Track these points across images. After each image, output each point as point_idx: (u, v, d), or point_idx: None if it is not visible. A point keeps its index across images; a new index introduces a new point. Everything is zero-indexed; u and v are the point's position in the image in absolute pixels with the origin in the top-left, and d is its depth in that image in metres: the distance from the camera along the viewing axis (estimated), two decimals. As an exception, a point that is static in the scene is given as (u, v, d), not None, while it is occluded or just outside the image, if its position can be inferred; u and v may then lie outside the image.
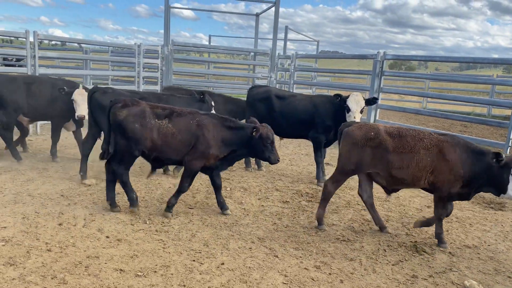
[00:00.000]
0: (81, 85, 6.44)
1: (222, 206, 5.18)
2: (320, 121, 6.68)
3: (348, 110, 6.36)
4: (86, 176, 6.03)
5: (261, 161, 7.14)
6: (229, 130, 4.89)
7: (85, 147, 6.11)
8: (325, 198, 4.88)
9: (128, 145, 4.71)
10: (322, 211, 4.90)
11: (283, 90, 9.46)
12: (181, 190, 4.96)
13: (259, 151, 4.92)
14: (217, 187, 5.19)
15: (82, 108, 6.26)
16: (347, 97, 6.42)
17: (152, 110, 4.78)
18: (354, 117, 6.28)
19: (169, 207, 4.94)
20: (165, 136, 4.72)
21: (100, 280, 3.43)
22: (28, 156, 7.12)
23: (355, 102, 6.34)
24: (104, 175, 6.27)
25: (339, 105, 6.49)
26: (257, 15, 16.33)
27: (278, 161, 4.98)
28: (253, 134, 4.78)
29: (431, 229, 5.09)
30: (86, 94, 6.12)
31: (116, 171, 4.87)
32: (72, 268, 3.58)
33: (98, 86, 6.69)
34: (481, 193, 5.48)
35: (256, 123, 4.96)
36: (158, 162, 5.02)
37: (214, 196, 5.74)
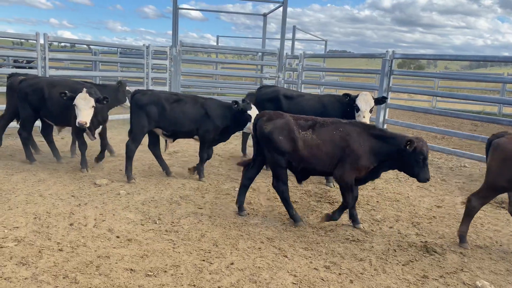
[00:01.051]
0: (84, 89, 6.09)
1: (355, 219, 4.99)
2: None
3: (358, 109, 6.34)
4: (132, 176, 6.22)
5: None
6: (376, 139, 4.62)
7: (132, 147, 6.23)
8: (469, 214, 4.56)
9: (276, 157, 4.74)
10: (466, 228, 4.60)
11: (291, 90, 9.45)
12: (346, 205, 4.80)
13: (408, 166, 4.56)
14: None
15: (83, 114, 5.95)
16: (356, 96, 6.39)
17: (296, 122, 4.76)
18: (364, 117, 6.25)
19: (332, 218, 4.85)
20: (310, 147, 4.64)
21: (111, 279, 3.46)
22: (38, 157, 7.18)
23: (365, 102, 6.31)
24: (115, 176, 6.35)
25: (348, 105, 6.47)
26: (265, 15, 16.32)
27: (428, 180, 4.55)
28: (407, 147, 4.44)
29: (442, 229, 5.06)
30: (89, 99, 6.00)
31: (277, 187, 4.90)
32: (83, 267, 3.62)
33: (139, 88, 6.73)
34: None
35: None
36: (305, 173, 4.92)
37: (223, 196, 5.77)
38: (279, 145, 4.66)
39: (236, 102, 6.07)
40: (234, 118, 6.20)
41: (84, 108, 5.97)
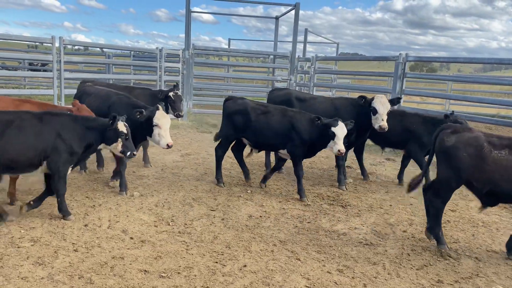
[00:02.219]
0: (160, 107, 5.44)
1: None
2: None
3: (375, 112, 6.22)
4: (223, 180, 6.33)
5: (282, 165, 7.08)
6: None
7: (219, 152, 6.32)
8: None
9: (449, 174, 4.35)
10: None
11: (303, 92, 9.44)
12: None
13: None
14: None
15: (169, 135, 5.40)
16: (372, 99, 6.33)
17: (487, 139, 4.23)
18: (382, 119, 6.16)
19: None
20: (505, 169, 4.08)
21: (125, 280, 3.49)
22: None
23: (381, 104, 6.21)
24: (128, 178, 6.40)
25: (361, 107, 6.41)
26: (277, 18, 16.35)
27: None
28: None
29: (456, 233, 5.00)
30: (167, 116, 5.46)
31: (435, 203, 4.55)
32: (98, 268, 3.65)
33: (232, 95, 6.71)
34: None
35: None
36: (491, 197, 4.33)
37: (236, 198, 5.79)
38: (459, 162, 4.22)
39: (318, 118, 5.61)
40: (318, 134, 5.70)
41: (168, 128, 5.43)
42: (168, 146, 5.38)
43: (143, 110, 5.28)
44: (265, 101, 7.70)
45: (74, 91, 13.38)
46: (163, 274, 3.63)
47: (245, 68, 21.21)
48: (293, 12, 13.26)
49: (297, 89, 13.40)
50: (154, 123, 5.32)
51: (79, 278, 3.48)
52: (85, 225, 4.56)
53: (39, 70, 18.75)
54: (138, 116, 5.19)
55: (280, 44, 17.92)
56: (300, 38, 16.54)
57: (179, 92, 7.49)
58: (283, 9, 15.35)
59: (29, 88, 17.01)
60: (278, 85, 14.40)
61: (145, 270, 3.67)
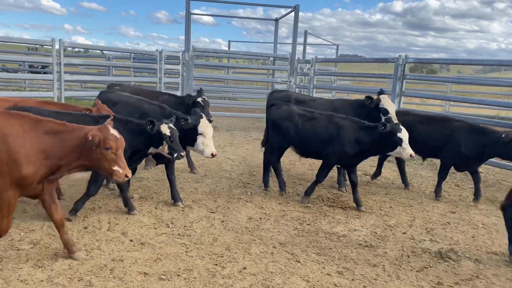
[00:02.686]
0: (203, 115, 5.31)
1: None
2: None
3: (386, 112, 6.14)
4: (268, 185, 6.32)
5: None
6: None
7: (270, 159, 6.24)
8: None
9: None
10: None
11: (302, 94, 9.43)
12: None
13: None
14: None
15: (212, 144, 5.24)
16: (379, 99, 6.24)
17: None
18: (395, 119, 6.03)
19: None
20: None
21: (125, 283, 3.49)
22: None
23: (390, 104, 6.15)
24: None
25: (361, 108, 6.38)
26: (276, 20, 16.36)
27: None
28: None
29: (456, 235, 5.00)
30: (209, 124, 5.29)
31: None
32: (98, 270, 3.65)
33: (278, 101, 6.44)
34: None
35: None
36: None
37: (235, 200, 5.79)
38: None
39: (384, 124, 5.29)
40: (377, 141, 5.40)
41: (211, 136, 5.28)
42: (213, 155, 5.20)
43: (188, 118, 5.10)
44: (265, 103, 7.71)
45: (74, 94, 13.39)
46: (163, 277, 3.62)
47: (245, 70, 21.23)
48: (292, 14, 13.26)
49: (297, 91, 13.42)
50: (199, 132, 5.13)
51: (78, 280, 3.48)
52: (85, 228, 4.56)
53: (39, 73, 18.76)
54: (183, 124, 5.03)
55: (280, 46, 17.93)
56: (300, 40, 16.56)
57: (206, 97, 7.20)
58: (283, 11, 15.37)
59: (29, 91, 17.02)
60: (277, 87, 14.42)
61: (145, 273, 3.67)
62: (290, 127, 5.88)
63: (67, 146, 3.53)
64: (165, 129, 4.71)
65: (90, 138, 3.47)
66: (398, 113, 6.52)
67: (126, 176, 3.69)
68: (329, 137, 5.63)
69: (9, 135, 3.36)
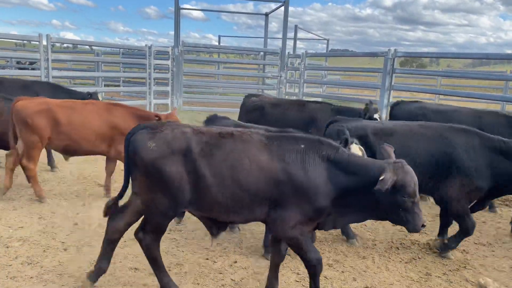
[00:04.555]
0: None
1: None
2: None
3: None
4: None
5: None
6: None
7: None
8: None
9: None
10: None
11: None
12: None
13: None
14: None
15: None
16: (373, 109, 5.64)
17: None
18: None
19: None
20: None
21: (115, 278, 3.49)
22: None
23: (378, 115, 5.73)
24: (118, 177, 6.37)
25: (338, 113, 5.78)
26: (266, 14, 16.34)
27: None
28: None
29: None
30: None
31: None
32: (88, 266, 3.64)
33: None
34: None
35: None
36: None
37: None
38: None
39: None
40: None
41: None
42: None
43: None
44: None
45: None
46: (154, 272, 3.62)
47: (236, 65, 21.18)
48: (282, 8, 13.26)
49: (287, 86, 13.44)
50: None
51: (68, 276, 3.47)
52: (75, 224, 4.54)
53: (27, 69, 18.53)
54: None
55: (270, 41, 17.94)
56: (290, 34, 16.55)
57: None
58: (273, 6, 15.34)
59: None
60: (268, 81, 14.42)
61: (136, 268, 3.67)
62: None
63: None
64: (355, 149, 3.51)
65: None
66: None
67: None
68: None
69: None
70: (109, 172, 5.52)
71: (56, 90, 6.82)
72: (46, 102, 5.06)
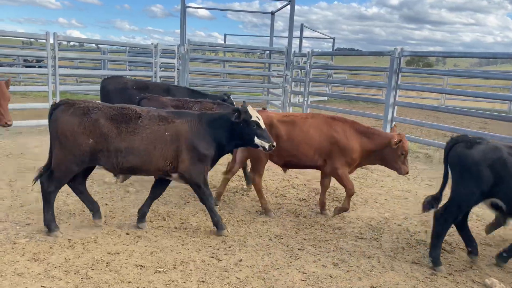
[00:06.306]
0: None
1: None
2: None
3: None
4: None
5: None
6: None
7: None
8: None
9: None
10: None
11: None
12: None
13: None
14: None
15: None
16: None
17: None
18: None
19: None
20: None
21: (121, 275, 3.50)
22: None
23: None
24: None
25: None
26: (272, 13, 16.30)
27: None
28: None
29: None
30: None
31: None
32: (94, 263, 3.66)
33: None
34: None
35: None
36: None
37: (231, 194, 5.80)
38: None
39: None
40: None
41: None
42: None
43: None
44: (260, 97, 7.54)
45: (69, 88, 13.27)
46: (159, 269, 3.64)
47: (241, 64, 21.17)
48: (288, 7, 13.22)
49: (293, 85, 13.40)
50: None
51: (75, 273, 3.49)
52: (81, 221, 4.56)
53: (34, 67, 18.65)
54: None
55: (276, 40, 17.88)
56: (296, 33, 16.54)
57: None
58: (279, 4, 15.29)
59: (24, 85, 16.92)
60: (274, 80, 14.40)
61: (141, 265, 3.68)
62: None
63: None
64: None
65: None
66: None
67: None
68: None
69: None
70: (325, 188, 5.33)
71: (192, 94, 7.03)
72: (268, 116, 5.01)
